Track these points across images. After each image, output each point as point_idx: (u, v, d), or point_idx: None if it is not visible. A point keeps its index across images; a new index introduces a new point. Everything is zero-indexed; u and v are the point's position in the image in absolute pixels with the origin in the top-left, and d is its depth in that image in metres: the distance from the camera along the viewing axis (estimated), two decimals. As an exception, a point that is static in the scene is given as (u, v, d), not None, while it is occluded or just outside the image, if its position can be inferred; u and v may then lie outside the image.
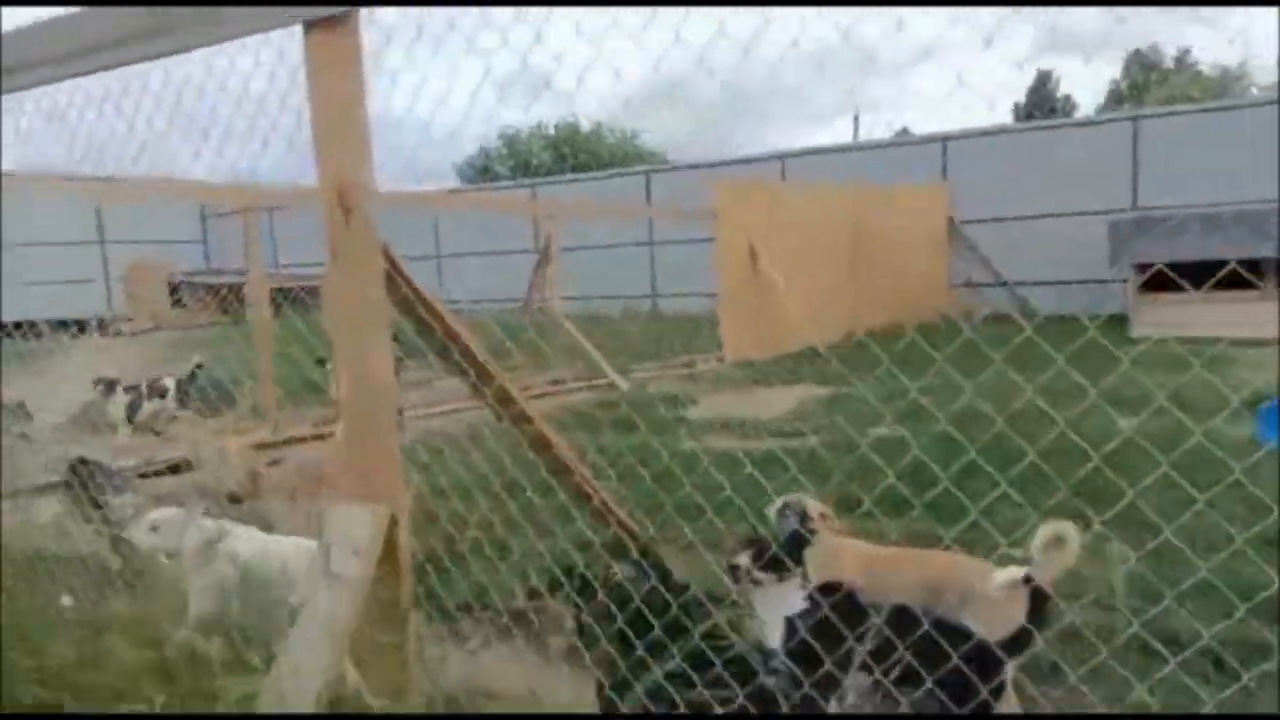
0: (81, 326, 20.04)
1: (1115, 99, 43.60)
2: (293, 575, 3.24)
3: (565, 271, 21.99)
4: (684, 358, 12.69)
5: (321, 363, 8.42)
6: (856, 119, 46.10)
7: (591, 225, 20.43)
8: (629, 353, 12.46)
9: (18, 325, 15.32)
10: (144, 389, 8.57)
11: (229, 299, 22.23)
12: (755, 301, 12.64)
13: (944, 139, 18.53)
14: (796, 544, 2.83)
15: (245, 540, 3.59)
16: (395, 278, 2.53)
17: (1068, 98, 47.63)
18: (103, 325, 21.21)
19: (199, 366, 8.83)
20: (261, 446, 6.86)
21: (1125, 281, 14.48)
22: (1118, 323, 13.63)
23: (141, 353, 15.37)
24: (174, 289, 23.38)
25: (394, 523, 2.44)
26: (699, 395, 9.83)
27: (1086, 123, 18.81)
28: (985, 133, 18.94)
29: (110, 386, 9.02)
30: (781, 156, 20.12)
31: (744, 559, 2.82)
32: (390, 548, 2.43)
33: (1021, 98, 48.04)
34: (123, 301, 23.56)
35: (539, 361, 10.18)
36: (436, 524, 3.31)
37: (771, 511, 3.38)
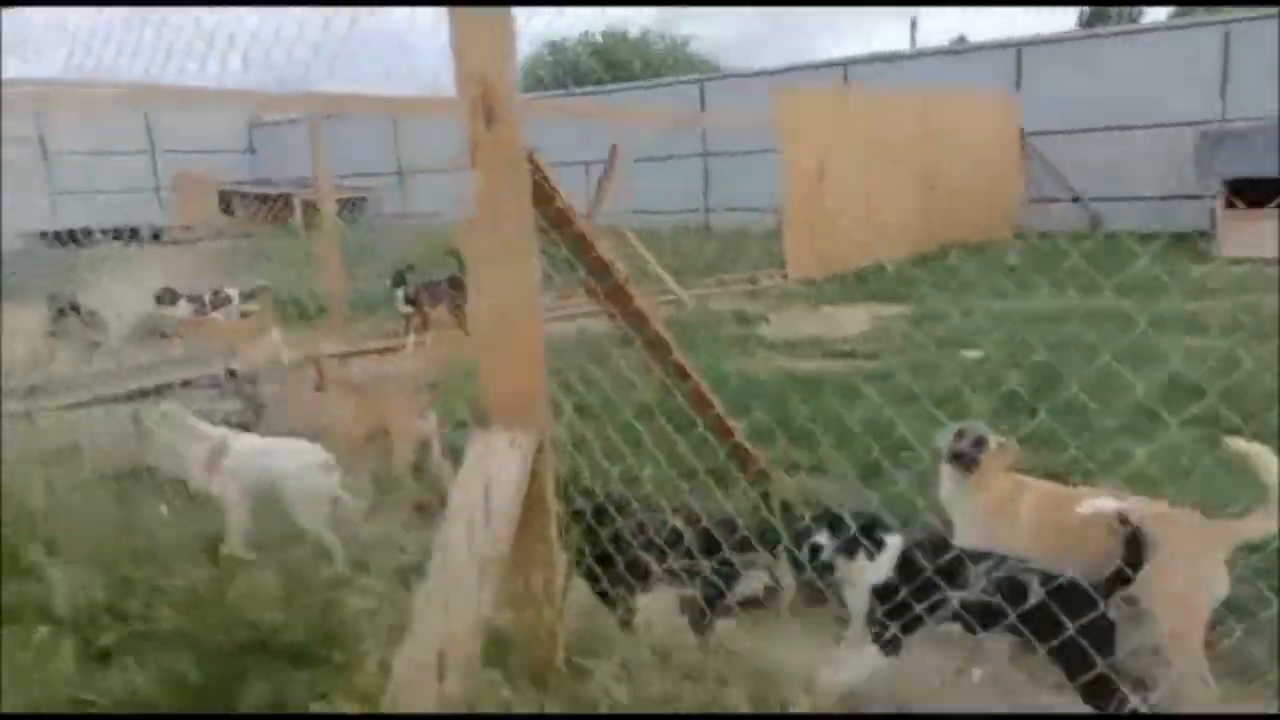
0: (135, 233, 20.15)
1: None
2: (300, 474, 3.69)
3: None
4: (745, 274, 12.39)
5: (401, 280, 8.30)
6: (914, 24, 44.15)
7: (642, 134, 19.94)
8: (687, 268, 12.20)
9: (72, 233, 15.31)
10: (207, 300, 8.51)
11: (279, 209, 22.19)
12: (820, 217, 12.25)
13: (1018, 45, 17.60)
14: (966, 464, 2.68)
15: (248, 445, 3.90)
16: (544, 187, 2.33)
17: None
18: (156, 234, 21.30)
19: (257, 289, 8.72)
20: (334, 357, 6.78)
21: (1213, 198, 13.81)
22: (1201, 240, 13.09)
23: (197, 261, 15.38)
24: (223, 198, 23.36)
25: (540, 450, 2.31)
26: (767, 312, 9.57)
27: (1172, 27, 17.65)
28: (1058, 39, 17.98)
29: (172, 297, 8.96)
30: (844, 63, 19.30)
31: (824, 538, 2.54)
32: (536, 478, 2.30)
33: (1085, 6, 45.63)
34: (174, 211, 23.63)
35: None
36: (582, 447, 3.10)
37: (943, 440, 3.00)
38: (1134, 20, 39.83)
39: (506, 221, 2.23)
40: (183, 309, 8.49)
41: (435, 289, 8.20)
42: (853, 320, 8.91)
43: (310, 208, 22.17)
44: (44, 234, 18.04)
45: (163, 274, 13.72)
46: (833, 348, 7.55)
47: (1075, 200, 17.16)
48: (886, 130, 13.52)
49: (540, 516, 2.30)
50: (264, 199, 22.52)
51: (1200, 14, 20.29)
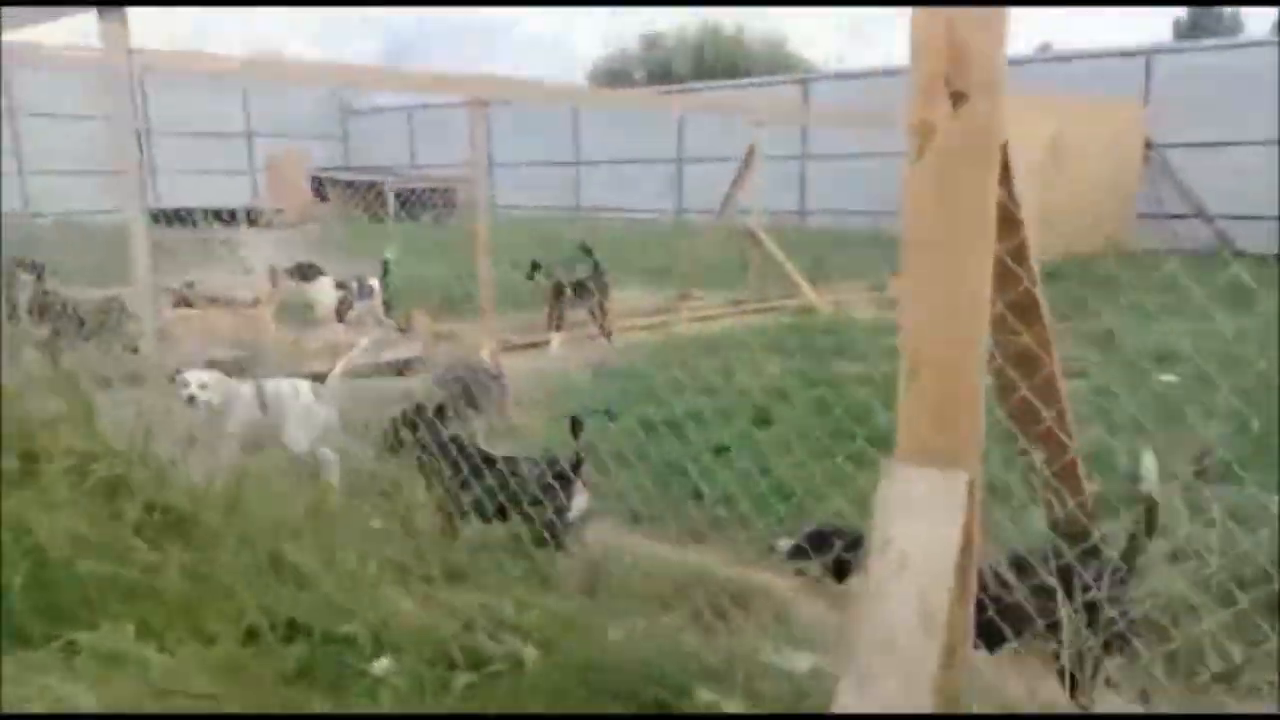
0: (232, 215, 20.31)
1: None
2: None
3: (701, 183, 21.30)
4: (869, 280, 11.92)
5: (534, 271, 8.03)
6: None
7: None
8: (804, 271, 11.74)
9: (177, 213, 15.35)
10: (355, 287, 8.32)
11: (370, 198, 22.22)
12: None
13: (1147, 53, 16.84)
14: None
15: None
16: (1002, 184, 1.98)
17: (1233, 15, 43.41)
18: (251, 216, 21.46)
19: (387, 264, 8.48)
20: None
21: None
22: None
23: (304, 246, 15.34)
24: (316, 183, 23.49)
25: (971, 491, 1.96)
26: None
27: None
28: (1185, 49, 17.18)
29: (305, 272, 8.64)
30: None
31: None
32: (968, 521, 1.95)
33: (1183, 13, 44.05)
34: (266, 194, 23.84)
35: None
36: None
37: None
38: (1233, 31, 38.31)
39: (964, 227, 1.89)
40: (328, 293, 8.31)
41: (581, 287, 7.92)
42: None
43: (402, 194, 22.28)
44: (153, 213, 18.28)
45: (277, 257, 13.69)
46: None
47: (1198, 216, 16.36)
48: (1015, 134, 12.91)
49: (968, 580, 1.96)
50: (353, 186, 22.60)
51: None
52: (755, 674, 2.37)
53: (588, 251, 8.17)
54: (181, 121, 21.06)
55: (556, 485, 3.43)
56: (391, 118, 26.08)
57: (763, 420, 5.15)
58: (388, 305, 8.26)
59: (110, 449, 3.31)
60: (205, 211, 19.19)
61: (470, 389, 4.60)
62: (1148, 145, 16.68)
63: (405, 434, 3.71)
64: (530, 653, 2.29)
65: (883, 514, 1.98)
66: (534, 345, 7.79)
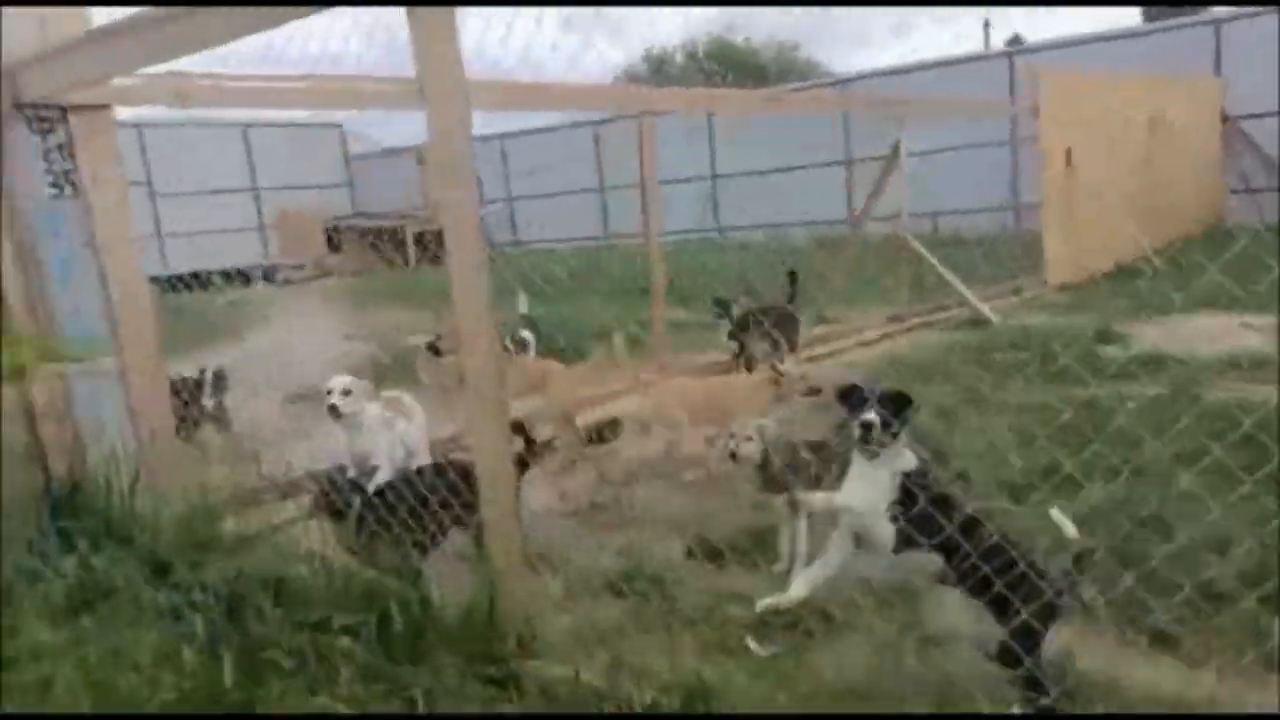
0: (247, 277, 18.98)
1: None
2: None
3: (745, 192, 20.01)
4: (1007, 284, 10.73)
5: (723, 310, 6.72)
6: (987, 25, 42.75)
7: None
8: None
9: (195, 276, 13.86)
10: (509, 342, 6.99)
11: (383, 243, 20.91)
12: (1076, 212, 10.61)
13: (1215, 21, 15.87)
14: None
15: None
16: None
17: None
18: (267, 274, 20.13)
19: (530, 320, 7.18)
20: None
21: None
22: None
23: (343, 300, 14.07)
24: (329, 234, 22.21)
25: None
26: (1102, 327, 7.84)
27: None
28: (1257, 13, 16.19)
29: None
30: (1014, 52, 17.70)
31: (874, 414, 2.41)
32: None
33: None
34: (278, 249, 22.55)
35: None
36: None
37: None
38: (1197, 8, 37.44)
39: None
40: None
41: (760, 323, 6.67)
42: (1225, 332, 7.22)
43: (422, 238, 20.95)
44: (155, 279, 16.95)
45: (322, 314, 12.39)
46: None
47: (1287, 190, 15.32)
48: (1119, 113, 11.87)
49: None
50: (375, 233, 21.30)
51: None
52: None
53: (792, 278, 7.07)
54: (183, 181, 19.78)
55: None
56: (391, 162, 24.81)
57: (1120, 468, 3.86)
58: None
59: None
60: (220, 273, 17.97)
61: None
62: (1224, 119, 15.70)
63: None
64: None
65: None
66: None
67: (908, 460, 2.51)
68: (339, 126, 25.10)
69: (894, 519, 2.47)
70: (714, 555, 3.69)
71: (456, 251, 2.61)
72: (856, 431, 2.47)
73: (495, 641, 2.48)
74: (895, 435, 2.48)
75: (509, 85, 4.95)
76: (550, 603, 3.00)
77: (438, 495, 3.37)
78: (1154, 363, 6.24)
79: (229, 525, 3.70)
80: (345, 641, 2.58)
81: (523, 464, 3.52)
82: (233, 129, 22.30)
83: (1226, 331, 7.30)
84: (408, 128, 25.61)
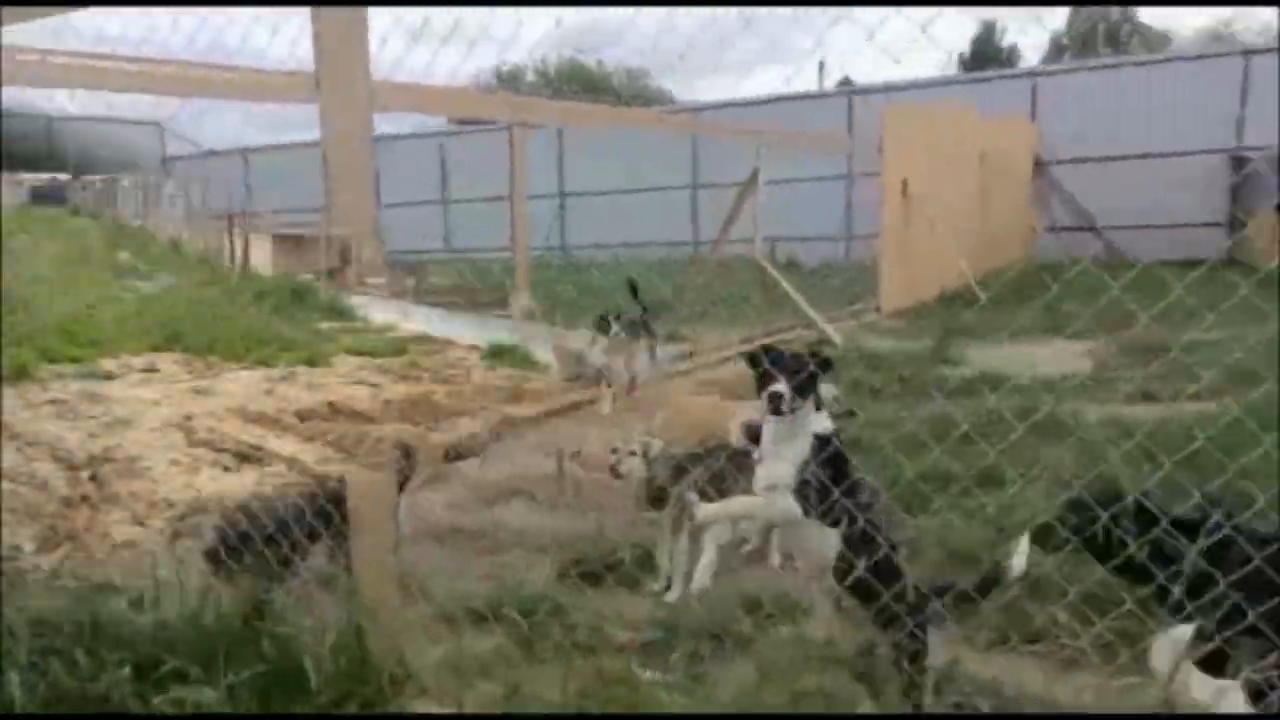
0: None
1: (1056, 52, 41.96)
2: None
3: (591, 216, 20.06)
4: (846, 309, 11.12)
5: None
6: (821, 66, 44.85)
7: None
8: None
9: None
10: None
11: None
12: (915, 245, 11.18)
13: (1031, 74, 17.28)
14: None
15: None
16: None
17: (1013, 48, 46.39)
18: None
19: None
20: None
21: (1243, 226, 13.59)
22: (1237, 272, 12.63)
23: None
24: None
25: None
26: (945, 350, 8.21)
27: (1190, 58, 17.53)
28: (1070, 70, 17.79)
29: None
30: (850, 92, 18.58)
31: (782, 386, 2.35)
32: None
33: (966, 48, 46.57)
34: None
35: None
36: None
37: None
38: (1012, 64, 40.58)
39: None
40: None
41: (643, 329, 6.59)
42: (1054, 355, 7.71)
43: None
44: None
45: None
46: (1150, 389, 6.16)
47: (1091, 230, 16.80)
48: (963, 150, 12.67)
49: None
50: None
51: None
52: None
53: (634, 289, 6.97)
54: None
55: None
56: (224, 160, 23.25)
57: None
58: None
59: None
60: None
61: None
62: (1037, 162, 17.09)
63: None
64: None
65: None
66: (575, 406, 6.35)
67: (823, 422, 2.42)
68: (157, 124, 23.39)
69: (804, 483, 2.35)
70: (590, 577, 3.53)
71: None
72: (766, 404, 2.36)
73: (367, 682, 2.21)
74: (806, 397, 2.39)
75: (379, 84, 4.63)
76: (422, 634, 2.73)
77: (303, 523, 3.03)
78: (990, 382, 6.56)
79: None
80: (184, 693, 2.24)
81: (402, 483, 3.24)
82: (37, 119, 20.35)
83: (1054, 355, 7.80)
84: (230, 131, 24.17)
